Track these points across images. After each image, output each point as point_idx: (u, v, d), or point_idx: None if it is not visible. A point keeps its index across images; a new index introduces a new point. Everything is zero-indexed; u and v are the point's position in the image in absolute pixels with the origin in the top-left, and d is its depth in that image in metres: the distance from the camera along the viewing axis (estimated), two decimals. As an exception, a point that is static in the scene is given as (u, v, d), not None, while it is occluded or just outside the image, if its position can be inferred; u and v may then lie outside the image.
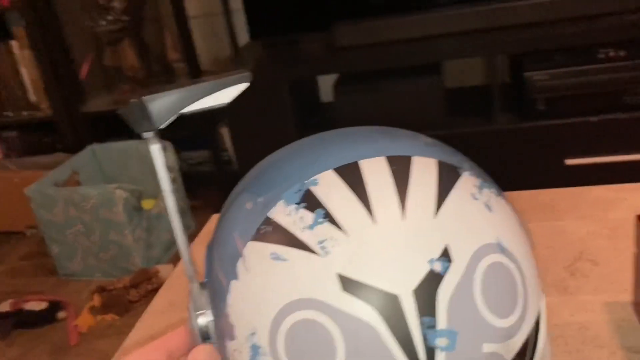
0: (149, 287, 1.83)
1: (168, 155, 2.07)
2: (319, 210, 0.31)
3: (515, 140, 1.49)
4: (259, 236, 0.32)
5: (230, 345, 0.33)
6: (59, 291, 1.98)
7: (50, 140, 2.40)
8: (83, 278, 2.01)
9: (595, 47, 1.41)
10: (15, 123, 2.40)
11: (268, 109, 1.89)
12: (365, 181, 0.31)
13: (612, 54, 1.37)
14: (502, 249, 0.31)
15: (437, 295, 0.29)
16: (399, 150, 0.33)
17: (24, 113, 2.37)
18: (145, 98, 0.32)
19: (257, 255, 0.32)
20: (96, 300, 1.82)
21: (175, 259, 1.94)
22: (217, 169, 2.29)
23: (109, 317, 1.78)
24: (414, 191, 0.31)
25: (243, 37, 2.16)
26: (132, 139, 2.30)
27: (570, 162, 1.46)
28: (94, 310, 1.81)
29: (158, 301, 0.71)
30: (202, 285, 0.36)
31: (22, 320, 1.81)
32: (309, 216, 0.31)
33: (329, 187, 0.32)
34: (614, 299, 0.56)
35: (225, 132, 2.18)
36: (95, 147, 2.20)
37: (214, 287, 0.34)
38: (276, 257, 0.31)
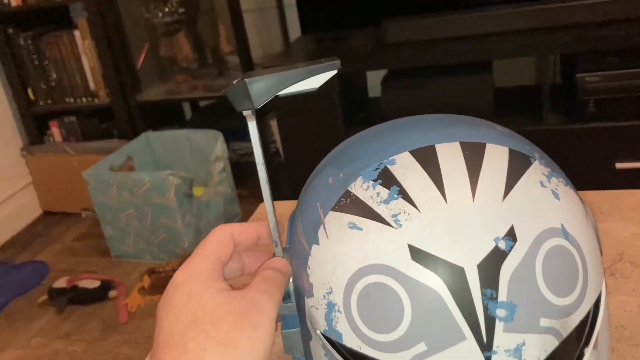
0: (197, 271, 1.89)
1: (219, 144, 2.13)
2: (394, 187, 0.34)
3: (565, 141, 1.49)
4: (339, 207, 0.36)
5: (308, 302, 0.37)
6: (111, 271, 2.07)
7: (107, 126, 2.50)
8: (134, 260, 2.10)
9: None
10: (75, 109, 2.51)
11: (317, 103, 1.92)
12: (440, 164, 0.34)
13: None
14: (565, 234, 0.34)
15: (500, 271, 0.32)
16: (473, 137, 0.36)
17: (84, 100, 2.47)
18: (247, 80, 0.36)
19: (336, 224, 0.35)
20: (146, 282, 1.90)
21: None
22: (264, 160, 2.34)
23: (157, 298, 1.85)
24: (485, 176, 0.34)
25: (294, 31, 2.20)
26: (184, 128, 2.38)
27: (620, 165, 1.45)
28: (143, 291, 1.89)
29: None
30: (285, 250, 0.40)
31: (76, 297, 1.90)
32: (384, 192, 0.34)
33: (405, 167, 0.35)
34: None
35: (273, 124, 2.24)
36: (149, 135, 2.29)
37: (296, 251, 0.38)
38: (353, 226, 0.34)
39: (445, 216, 0.33)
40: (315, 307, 0.36)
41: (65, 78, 2.47)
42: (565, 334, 0.33)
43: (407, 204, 0.34)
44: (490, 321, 0.31)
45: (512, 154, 0.36)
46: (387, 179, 0.35)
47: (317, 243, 0.36)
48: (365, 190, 0.35)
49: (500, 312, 0.31)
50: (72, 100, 2.49)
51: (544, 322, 0.32)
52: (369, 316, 0.33)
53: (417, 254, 0.32)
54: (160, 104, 2.48)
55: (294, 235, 0.40)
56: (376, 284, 0.33)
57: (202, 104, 2.67)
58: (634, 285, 0.60)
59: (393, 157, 0.36)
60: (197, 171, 2.16)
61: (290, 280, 0.40)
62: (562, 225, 0.34)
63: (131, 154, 2.19)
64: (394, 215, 0.34)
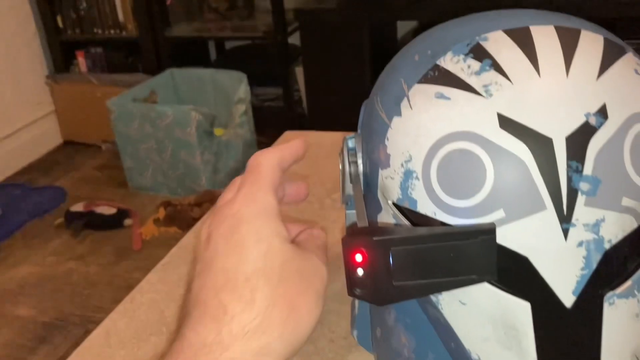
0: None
1: (242, 87, 2.12)
2: (487, 60, 0.34)
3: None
4: (425, 80, 0.35)
5: (383, 173, 0.37)
6: (128, 202, 2.09)
7: (132, 60, 2.50)
8: (151, 193, 2.12)
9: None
10: (102, 40, 2.50)
11: (344, 51, 1.90)
12: (534, 42, 0.34)
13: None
14: None
15: (588, 145, 0.32)
16: (568, 24, 0.36)
17: (111, 31, 2.46)
18: None
19: (422, 95, 0.35)
20: (161, 213, 1.92)
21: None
22: (286, 107, 2.34)
23: (172, 229, 1.88)
24: (579, 56, 0.34)
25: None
26: (209, 67, 2.37)
27: None
28: (158, 222, 1.91)
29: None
30: (356, 136, 0.40)
31: (92, 222, 1.92)
32: (476, 64, 0.34)
33: (498, 43, 0.35)
34: None
35: (299, 72, 2.22)
36: (175, 71, 2.28)
37: (371, 130, 0.38)
38: (440, 96, 0.34)
39: (537, 89, 0.33)
40: (391, 177, 0.36)
41: (95, 8, 2.46)
42: (644, 218, 0.33)
43: (499, 75, 0.33)
44: (573, 193, 0.32)
45: (607, 42, 0.35)
46: (479, 53, 0.34)
47: (399, 115, 0.36)
48: (455, 63, 0.35)
49: (583, 186, 0.32)
50: (100, 31, 2.48)
51: (626, 201, 0.32)
52: (448, 182, 0.33)
53: (506, 123, 0.32)
54: (187, 42, 2.46)
55: (368, 117, 0.40)
56: (460, 150, 0.33)
57: (228, 46, 2.66)
58: None
59: (485, 35, 0.35)
60: (219, 112, 2.16)
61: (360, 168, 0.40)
62: None
63: (155, 89, 2.19)
64: (485, 86, 0.34)
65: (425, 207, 0.34)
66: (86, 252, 1.85)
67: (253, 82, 2.25)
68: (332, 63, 1.93)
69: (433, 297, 0.36)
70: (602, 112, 0.32)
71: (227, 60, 2.56)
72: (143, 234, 1.87)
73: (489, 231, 0.31)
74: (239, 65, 2.26)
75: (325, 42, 1.89)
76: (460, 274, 0.31)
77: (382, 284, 0.31)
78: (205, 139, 1.97)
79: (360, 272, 0.31)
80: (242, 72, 2.15)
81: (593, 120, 0.32)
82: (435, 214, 0.34)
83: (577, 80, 0.33)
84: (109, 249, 1.86)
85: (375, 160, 0.38)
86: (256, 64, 2.37)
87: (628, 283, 0.33)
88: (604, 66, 0.34)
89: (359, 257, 0.31)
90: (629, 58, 0.35)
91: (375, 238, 0.30)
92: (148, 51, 2.40)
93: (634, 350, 0.34)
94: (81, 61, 2.58)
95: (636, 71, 0.35)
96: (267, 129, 2.37)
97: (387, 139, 0.37)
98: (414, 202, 0.35)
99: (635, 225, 0.33)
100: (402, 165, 0.35)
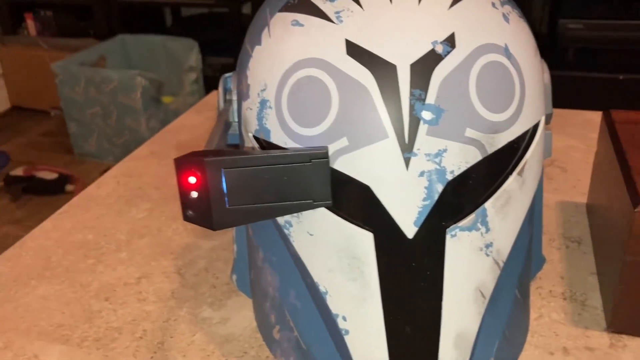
0: (158, 176, 1.88)
1: (193, 54, 2.08)
2: (342, -13, 0.33)
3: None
4: (286, 8, 0.35)
5: (244, 104, 0.36)
6: (72, 168, 2.04)
7: (84, 24, 2.42)
8: (96, 160, 2.07)
9: (638, 1, 1.39)
10: (52, 3, 2.42)
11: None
12: None
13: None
14: (508, 54, 0.33)
15: (433, 73, 0.31)
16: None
17: (61, -7, 2.38)
18: None
19: (280, 23, 0.34)
20: (105, 181, 1.88)
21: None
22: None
23: (116, 197, 1.84)
24: None
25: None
26: (164, 34, 2.31)
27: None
28: (101, 190, 1.87)
29: (141, 150, 0.75)
30: (233, 74, 0.40)
31: (32, 186, 1.87)
32: (331, -10, 0.33)
33: None
34: (571, 200, 0.59)
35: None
36: (125, 37, 2.22)
37: (240, 64, 0.38)
38: (296, 23, 0.34)
39: (387, 15, 0.32)
40: (250, 107, 0.35)
41: (44, -32, 2.37)
42: (490, 150, 0.33)
43: (351, 2, 0.33)
44: (415, 122, 0.31)
45: None
46: None
47: (260, 44, 0.35)
48: None
49: (425, 114, 0.31)
50: (49, -8, 2.40)
51: (470, 132, 0.32)
52: (297, 110, 0.33)
53: (353, 49, 0.32)
54: (141, 7, 2.40)
55: (240, 56, 0.39)
56: (308, 77, 0.32)
57: (185, 14, 2.60)
58: (556, 186, 0.62)
59: None
60: (170, 79, 2.11)
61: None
62: (506, 44, 0.33)
63: (105, 54, 2.13)
64: (337, 12, 0.33)
65: (278, 137, 0.34)
66: (24, 217, 1.80)
67: (207, 51, 2.21)
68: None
69: (285, 230, 0.35)
70: (450, 41, 0.32)
71: (182, 28, 2.50)
72: (85, 201, 1.83)
73: (322, 155, 0.30)
74: (194, 34, 2.21)
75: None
76: (295, 199, 0.31)
77: (216, 207, 0.30)
78: (151, 105, 1.93)
79: (194, 194, 0.30)
80: (193, 40, 2.11)
81: (440, 49, 0.32)
82: (286, 143, 0.33)
83: (429, 9, 0.33)
84: (48, 214, 1.80)
85: (240, 93, 0.37)
86: (211, 33, 2.32)
87: (471, 216, 0.33)
88: (458, -3, 0.33)
89: (192, 179, 0.30)
90: None
91: (206, 159, 0.29)
92: (100, 15, 2.33)
93: (477, 285, 0.34)
94: (30, 24, 2.50)
95: (493, 5, 0.34)
96: (220, 99, 2.34)
97: (249, 69, 0.36)
98: (268, 132, 0.34)
99: (479, 157, 0.32)
100: (258, 95, 0.35)
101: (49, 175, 1.90)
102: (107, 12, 2.33)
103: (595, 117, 0.79)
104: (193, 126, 0.81)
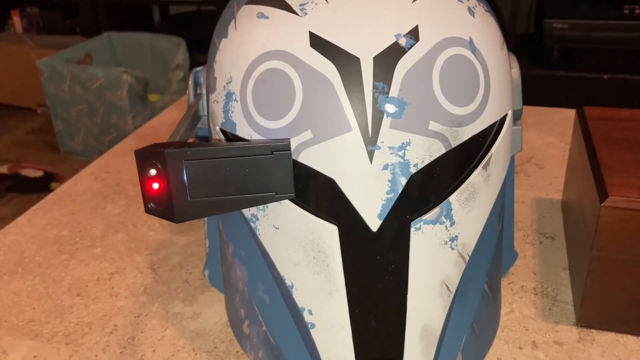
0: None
1: (181, 52, 2.07)
2: (307, -21, 0.33)
3: (528, 87, 1.50)
4: (252, 0, 0.35)
5: (211, 97, 0.36)
6: (58, 167, 2.02)
7: (70, 22, 2.41)
8: (82, 158, 2.06)
9: (623, 2, 1.39)
10: (38, 0, 2.41)
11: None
12: None
13: (638, 11, 1.35)
14: (472, 48, 0.33)
15: (396, 66, 0.31)
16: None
17: (47, -11, 2.37)
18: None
19: (246, 16, 0.34)
20: (91, 179, 1.87)
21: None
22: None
23: (101, 195, 1.83)
24: None
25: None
26: (152, 32, 2.30)
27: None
28: (87, 188, 1.86)
29: (120, 146, 0.75)
30: (203, 68, 0.40)
31: (17, 184, 1.86)
32: (296, -17, 0.33)
33: None
34: (547, 196, 0.59)
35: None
36: (112, 34, 2.21)
37: (209, 58, 0.37)
38: (261, 16, 0.34)
39: (351, 8, 0.32)
40: (216, 100, 0.35)
41: (30, -36, 2.36)
42: (454, 143, 0.33)
43: (316, -6, 0.33)
44: (378, 115, 0.31)
45: None
46: None
47: (226, 36, 0.35)
48: None
49: (389, 107, 0.31)
50: (35, -12, 2.38)
51: (434, 126, 0.32)
52: (262, 103, 0.33)
53: (317, 42, 0.32)
54: (129, 5, 2.39)
55: (210, 49, 0.39)
56: (272, 69, 0.32)
57: (173, 12, 2.59)
58: (533, 183, 0.62)
59: None
60: (157, 77, 2.11)
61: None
62: (470, 38, 0.33)
63: (91, 52, 2.12)
64: (302, 5, 0.33)
65: (243, 129, 0.34)
66: (8, 215, 1.79)
67: (195, 49, 2.20)
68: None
69: (252, 223, 0.35)
70: (414, 34, 0.32)
71: (171, 26, 2.49)
72: (70, 199, 1.82)
73: (284, 147, 0.30)
74: (183, 32, 2.21)
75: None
76: (258, 191, 0.31)
77: (177, 199, 0.30)
78: (137, 103, 1.92)
79: (155, 186, 0.30)
80: (180, 38, 2.10)
81: (403, 42, 0.32)
82: (251, 136, 0.33)
83: (393, 2, 0.33)
84: (34, 212, 1.80)
85: (208, 86, 0.37)
86: (199, 31, 2.31)
87: (436, 209, 0.33)
88: (422, -10, 0.33)
89: (152, 171, 0.30)
90: None
91: (167, 150, 0.29)
92: (86, 13, 2.32)
93: (443, 278, 0.34)
94: (16, 21, 2.48)
95: (459, -1, 0.34)
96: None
97: (215, 62, 0.36)
98: (234, 125, 0.34)
99: (443, 151, 0.32)
100: (224, 87, 0.35)
101: (34, 173, 1.88)
102: (94, 10, 2.32)
103: (573, 115, 0.79)
104: (174, 122, 0.81)
